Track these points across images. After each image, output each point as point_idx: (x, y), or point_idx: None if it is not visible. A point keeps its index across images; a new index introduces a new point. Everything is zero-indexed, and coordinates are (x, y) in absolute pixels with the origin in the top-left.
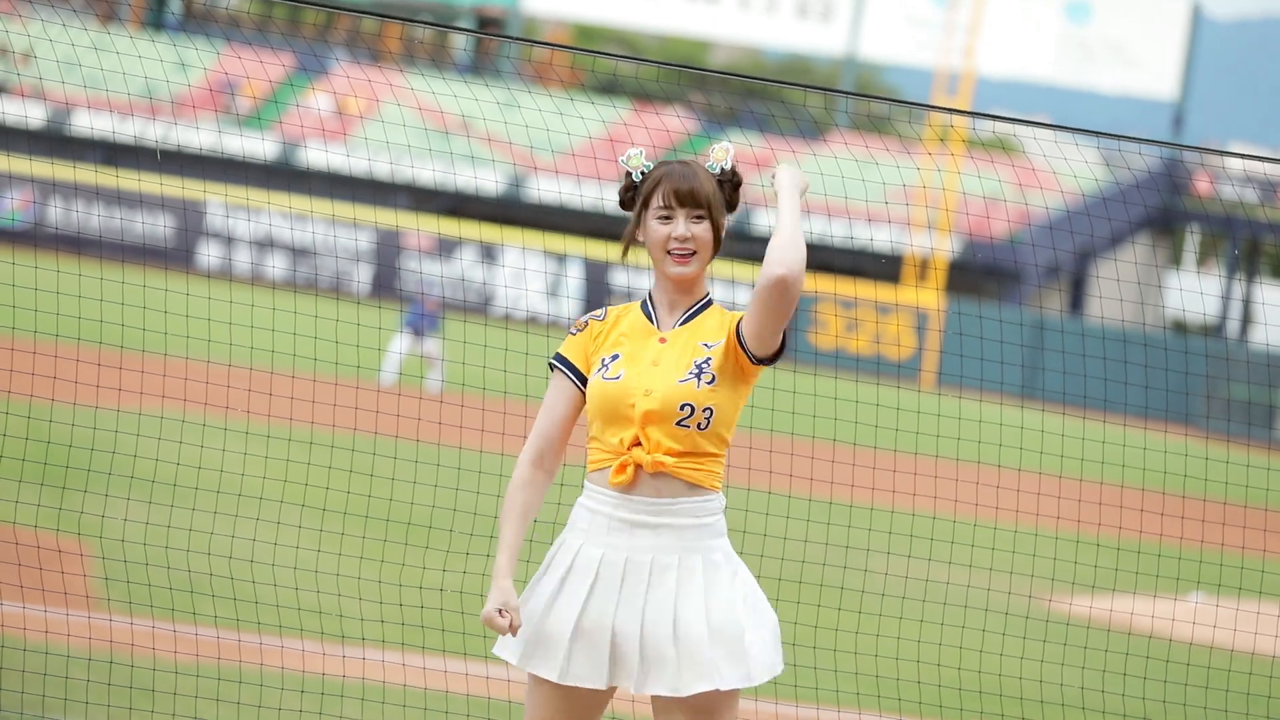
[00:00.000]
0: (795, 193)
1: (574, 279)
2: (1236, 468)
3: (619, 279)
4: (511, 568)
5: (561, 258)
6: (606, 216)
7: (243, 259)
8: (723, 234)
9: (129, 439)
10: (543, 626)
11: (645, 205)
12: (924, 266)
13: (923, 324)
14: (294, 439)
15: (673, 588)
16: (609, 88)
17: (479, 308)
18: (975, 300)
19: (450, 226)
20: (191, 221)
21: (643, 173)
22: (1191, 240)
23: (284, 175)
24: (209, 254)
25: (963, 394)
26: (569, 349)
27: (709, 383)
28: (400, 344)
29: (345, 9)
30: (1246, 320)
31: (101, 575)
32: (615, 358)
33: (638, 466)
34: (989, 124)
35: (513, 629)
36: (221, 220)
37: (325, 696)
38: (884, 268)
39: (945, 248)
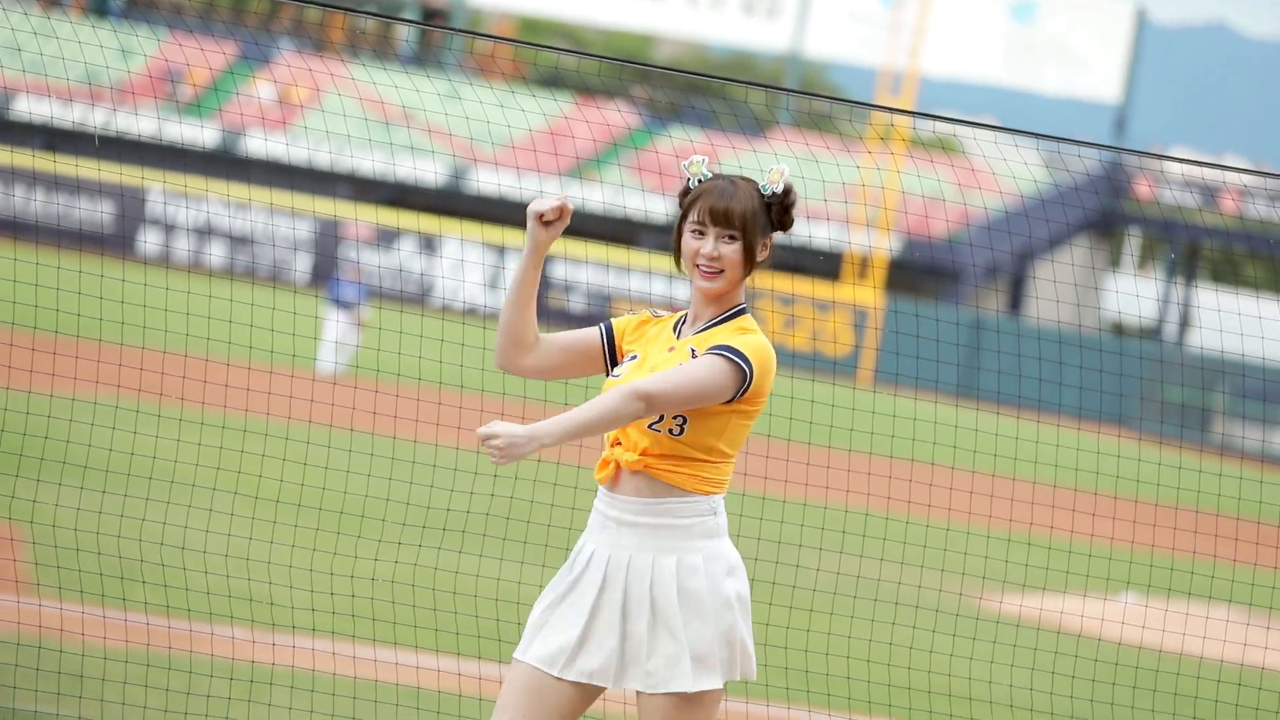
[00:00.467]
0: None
1: (513, 271)
2: (1169, 469)
3: (557, 271)
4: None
5: (501, 250)
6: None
7: (182, 246)
8: (757, 254)
9: (62, 424)
10: (548, 620)
11: (684, 217)
12: (864, 264)
13: (861, 321)
14: (228, 426)
15: (647, 589)
16: (552, 81)
17: (418, 298)
18: (914, 299)
19: (390, 217)
20: (131, 208)
21: (700, 180)
22: (1131, 243)
23: (225, 163)
24: (148, 240)
25: (899, 392)
26: (619, 320)
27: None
28: (335, 331)
29: None
30: (1184, 324)
31: (32, 560)
32: (632, 358)
33: (618, 465)
34: (931, 123)
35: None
36: (161, 207)
37: (255, 684)
38: (824, 265)
39: (885, 246)
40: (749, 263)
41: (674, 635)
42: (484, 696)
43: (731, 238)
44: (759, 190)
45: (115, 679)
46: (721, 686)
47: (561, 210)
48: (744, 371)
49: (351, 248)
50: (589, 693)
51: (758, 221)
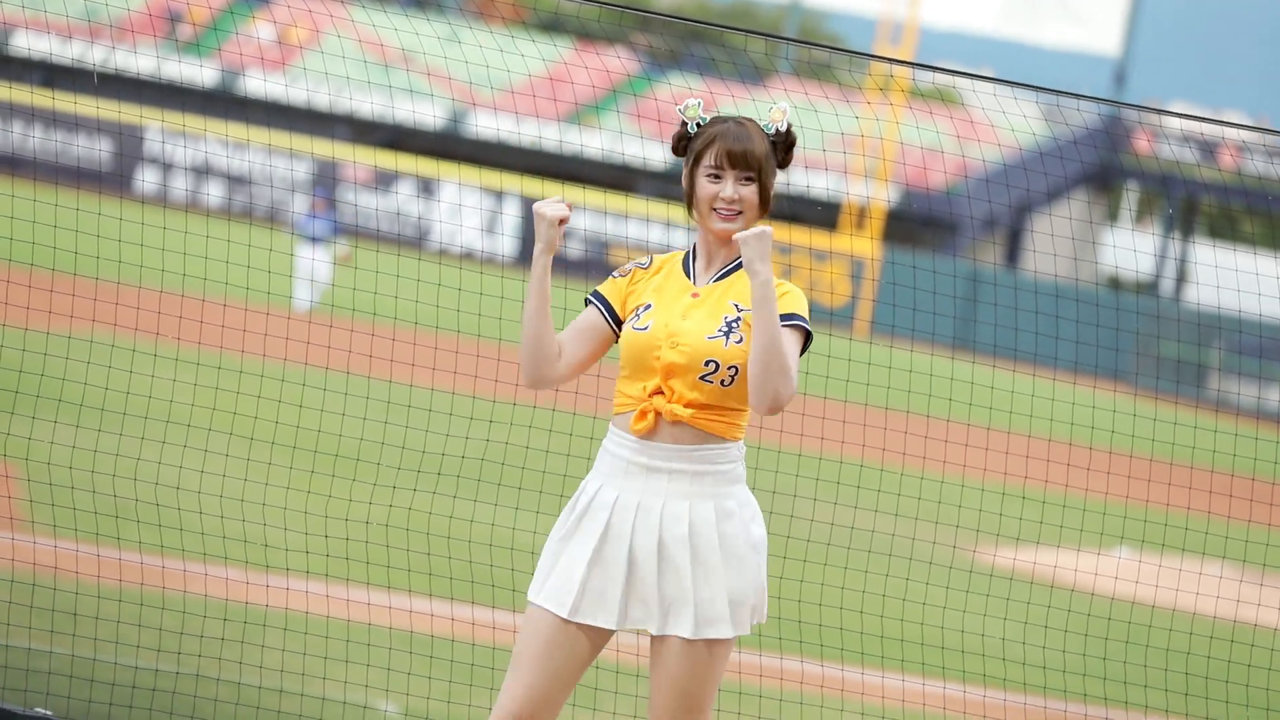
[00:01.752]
0: (770, 282)
1: (511, 216)
2: (1165, 425)
3: None
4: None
5: (499, 194)
6: (545, 154)
7: (179, 185)
8: (771, 195)
9: (57, 361)
10: (556, 564)
11: (696, 161)
12: (861, 215)
13: (858, 272)
14: (224, 367)
15: (684, 534)
16: (551, 26)
17: (415, 242)
18: (911, 250)
19: (388, 159)
20: (129, 146)
21: (698, 124)
22: (1129, 198)
23: (224, 103)
24: (145, 179)
25: (895, 343)
26: (606, 288)
27: (737, 341)
28: (307, 268)
29: None
30: (1181, 279)
31: (26, 497)
32: (647, 307)
33: (658, 415)
34: (931, 75)
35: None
36: (159, 146)
37: (248, 625)
38: (821, 215)
39: (883, 197)
40: (765, 203)
41: (710, 581)
42: (476, 641)
43: (748, 179)
44: (763, 130)
45: (109, 617)
46: (748, 631)
47: (569, 208)
48: (810, 335)
49: (350, 189)
50: (600, 637)
51: (771, 161)
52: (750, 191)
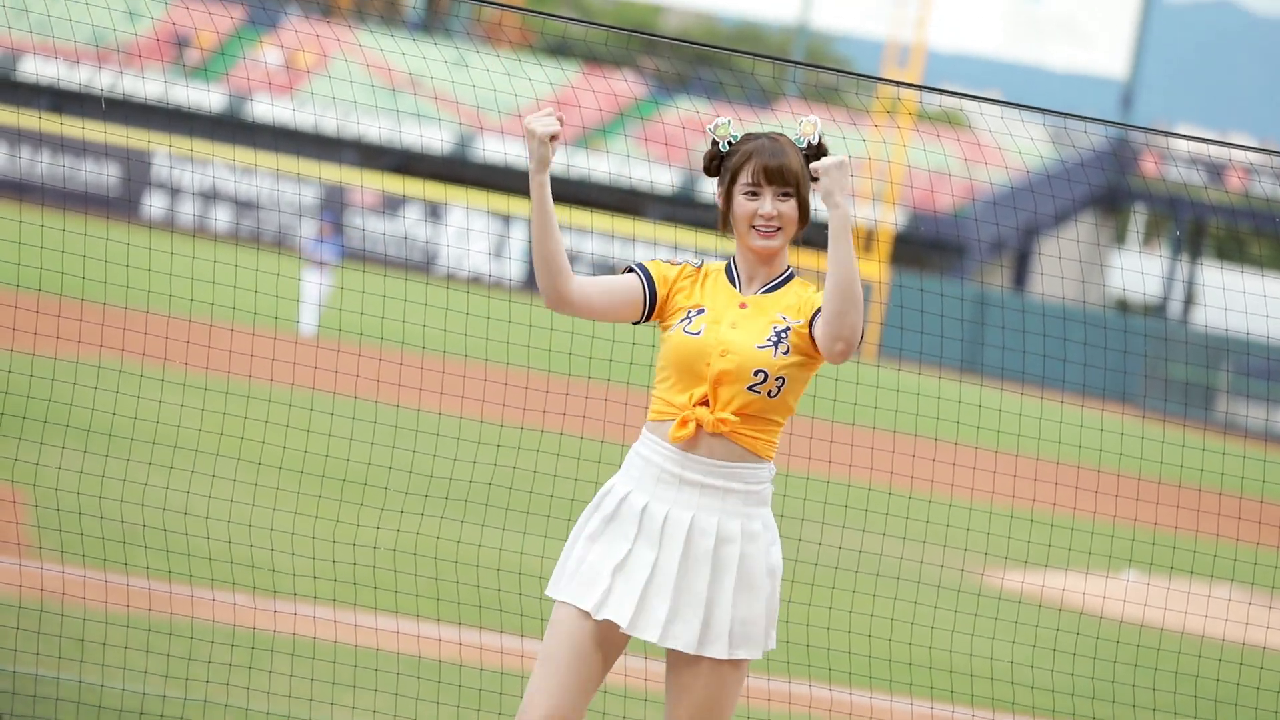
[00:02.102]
0: (849, 214)
1: (519, 240)
2: (1173, 447)
3: (563, 242)
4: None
5: (507, 219)
6: (553, 178)
7: (187, 210)
8: (809, 209)
9: (65, 387)
10: (583, 564)
11: (733, 179)
12: (869, 238)
13: (866, 295)
14: (231, 392)
15: (710, 549)
16: (559, 49)
17: (422, 266)
18: (919, 273)
19: (396, 184)
20: (137, 171)
21: (730, 142)
22: (1136, 220)
23: (231, 127)
24: (153, 204)
25: (904, 367)
26: (655, 267)
27: (784, 353)
28: (314, 293)
29: None
30: (1189, 301)
31: (34, 523)
32: (700, 312)
33: (699, 425)
34: (938, 97)
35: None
36: (167, 171)
37: (256, 651)
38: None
39: (890, 220)
40: (804, 218)
41: (726, 603)
42: (484, 666)
43: (786, 195)
44: (795, 144)
45: (115, 643)
46: (760, 656)
47: (561, 121)
48: None
49: (358, 214)
50: (619, 640)
51: (806, 175)
52: (789, 207)
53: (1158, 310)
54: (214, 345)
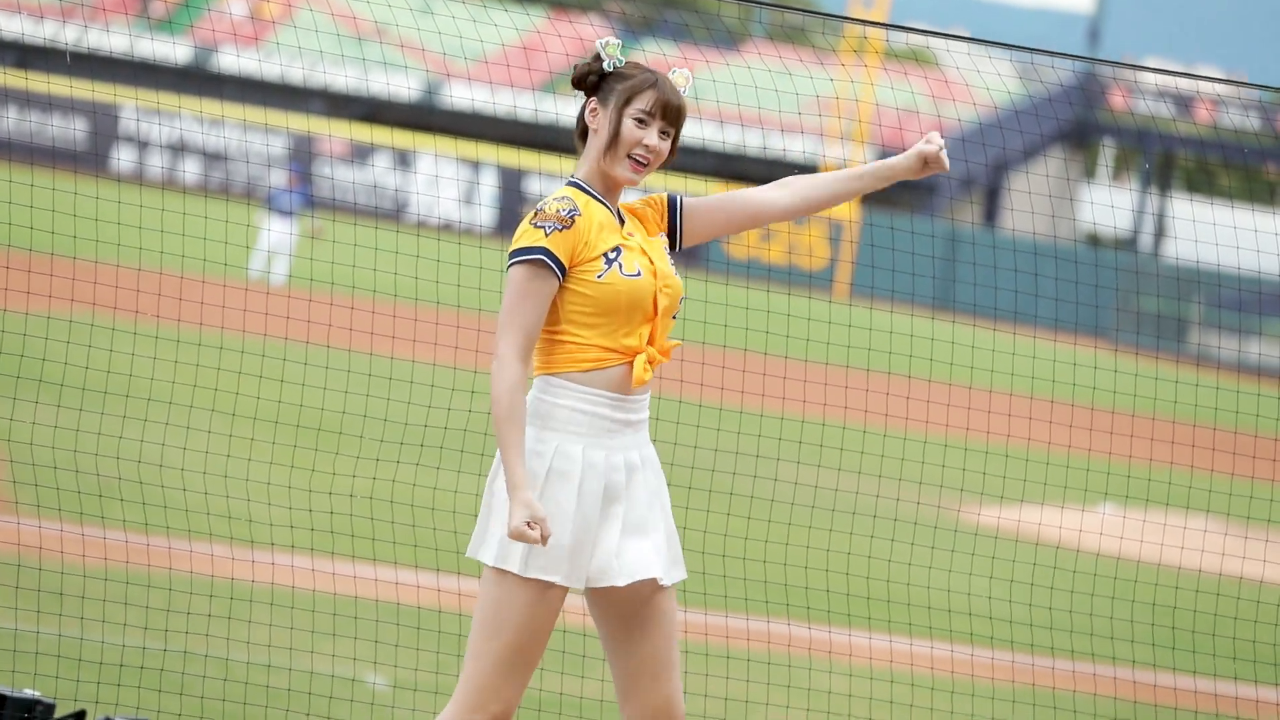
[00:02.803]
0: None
1: (488, 186)
2: (1146, 380)
3: (533, 186)
4: (528, 478)
5: (476, 165)
6: (522, 124)
7: (156, 163)
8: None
9: (37, 342)
10: (580, 540)
11: (626, 102)
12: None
13: (837, 235)
14: (203, 344)
15: (648, 480)
16: None
17: (392, 214)
18: (889, 212)
19: (364, 133)
20: (104, 125)
21: (615, 65)
22: (1105, 154)
23: (198, 80)
24: (122, 158)
25: (876, 305)
26: (557, 245)
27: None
28: (267, 240)
29: None
30: (1160, 234)
31: (9, 479)
32: (618, 252)
33: (651, 363)
34: (904, 35)
35: (544, 539)
36: (135, 124)
37: (235, 601)
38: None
39: (860, 159)
40: (672, 157)
41: (670, 523)
42: (463, 611)
43: (666, 134)
44: None
45: (95, 596)
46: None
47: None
48: None
49: (326, 164)
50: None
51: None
52: (664, 146)
53: (1128, 244)
54: (185, 297)
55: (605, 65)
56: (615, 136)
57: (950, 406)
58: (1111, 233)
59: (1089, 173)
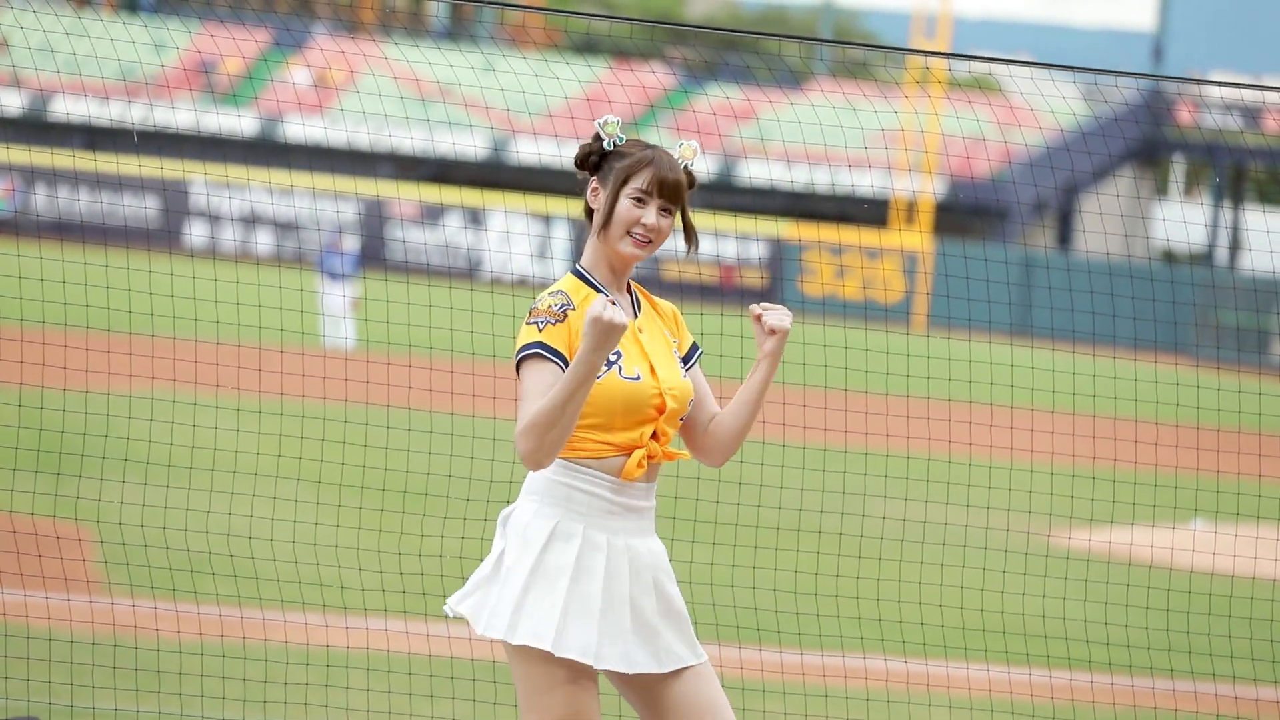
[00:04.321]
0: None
1: (560, 240)
2: (1229, 394)
3: None
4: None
5: (547, 219)
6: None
7: (228, 236)
8: (694, 230)
9: (121, 421)
10: (569, 612)
11: (624, 181)
12: (910, 209)
13: (912, 267)
14: (285, 413)
15: (652, 565)
16: (586, 47)
17: (466, 273)
18: (962, 241)
19: (434, 193)
20: (175, 202)
21: (615, 144)
22: (1176, 170)
23: (265, 150)
24: (194, 233)
25: (954, 335)
26: (554, 339)
27: (685, 375)
28: (329, 305)
29: None
30: (1235, 247)
31: (101, 559)
32: (619, 355)
33: (652, 458)
34: (967, 64)
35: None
36: (205, 199)
37: (331, 668)
38: (870, 212)
39: (930, 190)
40: (690, 238)
41: (683, 608)
42: None
43: (667, 211)
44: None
45: (192, 672)
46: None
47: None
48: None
49: (398, 227)
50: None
51: (688, 199)
52: (667, 224)
53: (1204, 258)
54: (264, 368)
55: (605, 144)
56: (610, 216)
57: (1034, 432)
58: (1186, 248)
59: (1160, 190)
